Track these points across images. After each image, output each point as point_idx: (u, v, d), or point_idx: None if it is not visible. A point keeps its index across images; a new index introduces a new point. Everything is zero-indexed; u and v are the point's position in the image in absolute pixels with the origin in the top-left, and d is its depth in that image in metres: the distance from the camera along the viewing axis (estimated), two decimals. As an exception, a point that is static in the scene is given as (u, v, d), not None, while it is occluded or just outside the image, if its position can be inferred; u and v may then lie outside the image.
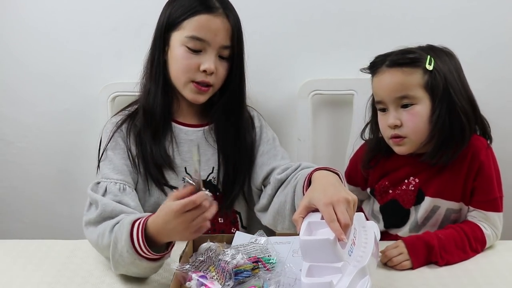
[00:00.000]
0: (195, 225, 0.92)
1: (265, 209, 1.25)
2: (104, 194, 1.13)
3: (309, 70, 1.61)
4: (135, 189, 1.24)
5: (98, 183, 1.16)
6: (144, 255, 0.96)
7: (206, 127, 1.30)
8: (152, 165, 1.24)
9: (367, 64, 1.27)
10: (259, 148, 1.32)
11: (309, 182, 1.05)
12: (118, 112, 1.32)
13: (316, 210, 0.92)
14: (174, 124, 1.29)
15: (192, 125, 1.30)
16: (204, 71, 1.19)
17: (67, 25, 1.61)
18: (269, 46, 1.59)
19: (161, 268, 1.04)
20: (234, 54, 1.22)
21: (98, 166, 1.22)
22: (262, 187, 1.30)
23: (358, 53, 1.56)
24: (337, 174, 1.05)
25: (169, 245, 1.01)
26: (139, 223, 0.97)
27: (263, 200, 1.26)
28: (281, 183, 1.21)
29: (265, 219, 1.25)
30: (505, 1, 1.53)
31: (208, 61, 1.19)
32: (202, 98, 1.24)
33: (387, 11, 1.56)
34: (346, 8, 1.57)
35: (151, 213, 0.99)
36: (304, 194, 1.04)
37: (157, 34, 1.24)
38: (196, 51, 1.19)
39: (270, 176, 1.26)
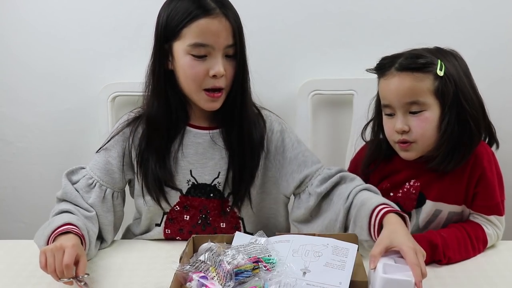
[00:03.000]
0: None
1: (306, 220, 1.25)
2: (74, 183, 1.24)
3: (309, 70, 1.61)
4: (133, 190, 1.29)
5: (82, 168, 1.27)
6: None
7: (215, 130, 1.27)
8: (151, 180, 1.23)
9: (368, 64, 1.26)
10: (286, 155, 1.28)
11: (380, 224, 1.06)
12: (137, 108, 1.32)
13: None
14: (188, 127, 1.27)
15: (203, 127, 1.28)
16: (214, 76, 1.16)
17: (67, 25, 1.61)
18: (269, 46, 1.59)
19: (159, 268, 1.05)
20: (238, 52, 1.19)
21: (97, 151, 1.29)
22: (293, 195, 1.28)
23: (358, 53, 1.58)
24: (404, 218, 1.08)
25: None
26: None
27: (300, 211, 1.25)
28: (322, 196, 1.22)
29: (308, 231, 1.23)
30: (506, 2, 1.54)
31: (217, 65, 1.16)
32: (217, 105, 1.21)
33: (388, 11, 1.56)
34: (346, 8, 1.57)
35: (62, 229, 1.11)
36: (371, 232, 1.08)
37: (156, 45, 1.20)
38: (201, 57, 1.16)
39: (305, 185, 1.25)
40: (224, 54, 1.18)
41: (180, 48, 1.17)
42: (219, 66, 1.16)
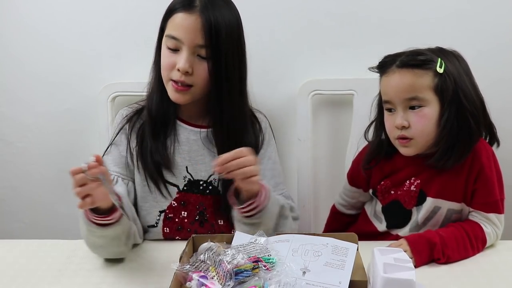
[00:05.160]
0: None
1: None
2: None
3: (309, 70, 1.61)
4: (135, 186, 1.28)
5: None
6: (92, 219, 1.05)
7: (207, 129, 1.29)
8: (150, 164, 1.24)
9: (368, 64, 1.27)
10: None
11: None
12: (132, 104, 1.35)
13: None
14: (178, 122, 1.29)
15: (196, 125, 1.30)
16: (179, 70, 1.18)
17: (67, 25, 1.61)
18: (269, 46, 1.59)
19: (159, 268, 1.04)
20: (213, 54, 1.18)
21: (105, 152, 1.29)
22: None
23: (358, 53, 1.58)
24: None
25: (112, 212, 1.06)
26: None
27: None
28: None
29: None
30: (506, 2, 1.53)
31: (182, 60, 1.17)
32: (182, 98, 1.22)
33: (388, 11, 1.56)
34: (346, 8, 1.57)
35: None
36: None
37: (157, 38, 1.25)
38: (173, 50, 1.19)
39: None
40: (196, 53, 1.18)
41: (164, 38, 1.21)
42: (183, 62, 1.17)
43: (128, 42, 1.61)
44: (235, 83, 1.24)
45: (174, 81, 1.20)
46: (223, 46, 1.18)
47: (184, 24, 1.17)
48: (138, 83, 1.40)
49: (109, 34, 1.61)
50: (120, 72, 1.62)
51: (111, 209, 1.06)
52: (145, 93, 1.31)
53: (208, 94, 1.23)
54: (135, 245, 1.24)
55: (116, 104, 1.61)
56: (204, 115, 1.29)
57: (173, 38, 1.18)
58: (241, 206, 1.13)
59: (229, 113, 1.24)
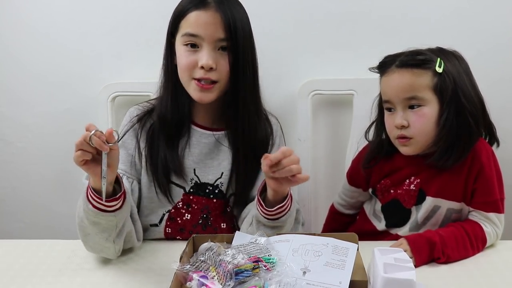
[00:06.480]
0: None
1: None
2: None
3: (309, 70, 1.61)
4: (139, 186, 1.27)
5: None
6: (91, 198, 1.02)
7: (220, 132, 1.28)
8: (160, 170, 1.24)
9: (368, 64, 1.28)
10: None
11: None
12: (142, 103, 1.33)
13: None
14: (192, 126, 1.28)
15: (209, 128, 1.29)
16: (202, 67, 1.17)
17: (67, 25, 1.61)
18: (269, 46, 1.58)
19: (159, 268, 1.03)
20: (232, 47, 1.18)
21: None
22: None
23: (358, 53, 1.58)
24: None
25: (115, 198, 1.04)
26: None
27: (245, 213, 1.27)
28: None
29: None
30: (505, 2, 1.54)
31: (205, 56, 1.16)
32: (207, 97, 1.20)
33: (388, 11, 1.56)
34: (346, 8, 1.57)
35: None
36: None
37: (166, 41, 1.24)
38: (193, 47, 1.18)
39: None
40: (217, 48, 1.18)
41: (178, 40, 1.20)
42: (206, 58, 1.16)
43: (128, 42, 1.61)
44: (251, 78, 1.23)
45: (197, 79, 1.18)
46: (241, 39, 1.18)
47: (201, 20, 1.16)
48: (138, 83, 1.40)
49: (109, 34, 1.61)
50: (120, 72, 1.62)
51: (111, 198, 1.04)
52: (146, 93, 1.31)
53: (225, 92, 1.23)
54: (132, 248, 1.25)
55: (116, 104, 1.61)
56: (218, 118, 1.28)
57: (192, 35, 1.17)
58: (271, 209, 1.11)
59: (245, 110, 1.23)
